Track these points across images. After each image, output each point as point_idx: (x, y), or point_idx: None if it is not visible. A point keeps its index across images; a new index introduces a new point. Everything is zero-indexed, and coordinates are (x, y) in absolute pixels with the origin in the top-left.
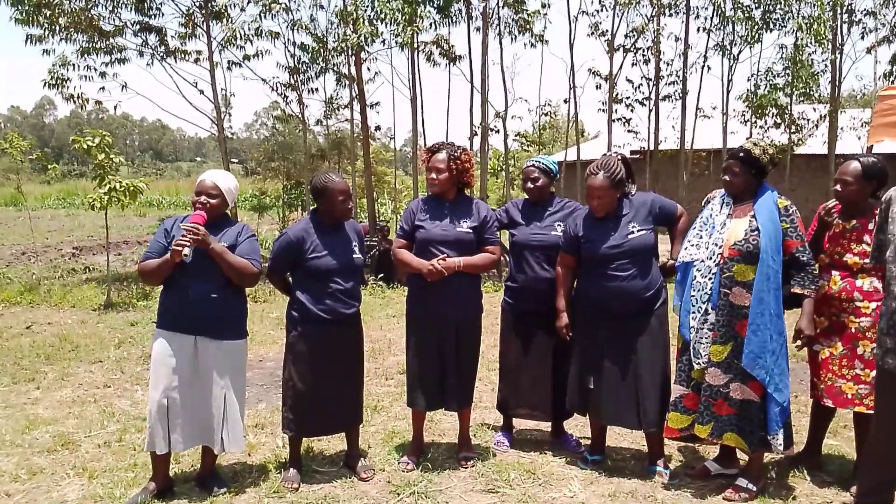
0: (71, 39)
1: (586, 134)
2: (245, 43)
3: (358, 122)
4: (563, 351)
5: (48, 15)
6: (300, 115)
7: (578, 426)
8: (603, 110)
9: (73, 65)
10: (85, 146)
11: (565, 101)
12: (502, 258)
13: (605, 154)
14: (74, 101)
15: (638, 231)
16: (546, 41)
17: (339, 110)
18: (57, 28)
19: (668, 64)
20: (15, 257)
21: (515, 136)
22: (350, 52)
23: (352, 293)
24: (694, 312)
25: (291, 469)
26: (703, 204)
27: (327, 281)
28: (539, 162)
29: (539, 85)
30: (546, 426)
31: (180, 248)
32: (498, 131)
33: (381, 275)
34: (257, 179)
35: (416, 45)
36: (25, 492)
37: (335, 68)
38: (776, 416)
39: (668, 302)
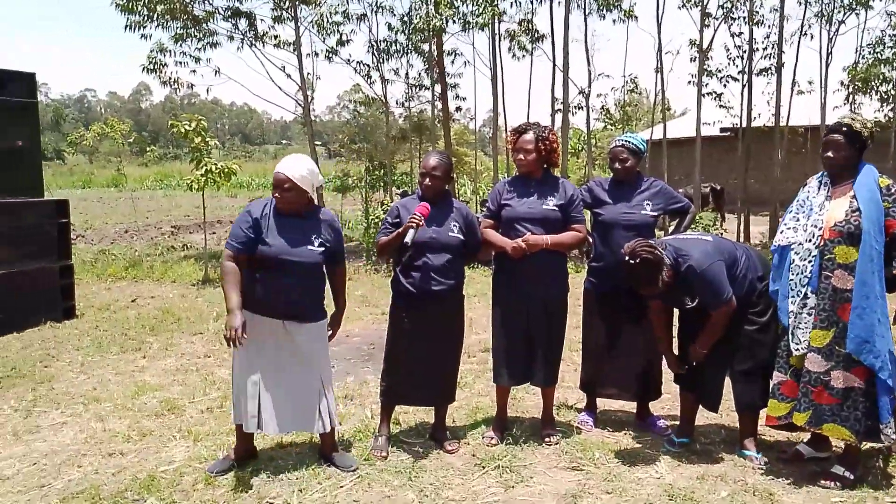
0: (167, 26)
1: (672, 111)
2: (332, 27)
3: (439, 103)
4: (648, 328)
5: (146, 2)
6: (382, 98)
7: (665, 408)
8: (692, 82)
9: (170, 51)
10: (182, 130)
11: (656, 71)
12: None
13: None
14: (170, 85)
15: (692, 304)
16: (636, 17)
17: (420, 91)
18: (155, 15)
19: (767, 32)
20: (119, 235)
21: (599, 112)
22: (431, 34)
23: (442, 270)
24: (793, 297)
25: (381, 438)
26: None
27: (419, 255)
28: (628, 141)
29: (624, 61)
30: (631, 407)
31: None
32: (581, 108)
33: None
34: (340, 161)
35: (497, 27)
36: (137, 451)
37: (417, 50)
38: (886, 403)
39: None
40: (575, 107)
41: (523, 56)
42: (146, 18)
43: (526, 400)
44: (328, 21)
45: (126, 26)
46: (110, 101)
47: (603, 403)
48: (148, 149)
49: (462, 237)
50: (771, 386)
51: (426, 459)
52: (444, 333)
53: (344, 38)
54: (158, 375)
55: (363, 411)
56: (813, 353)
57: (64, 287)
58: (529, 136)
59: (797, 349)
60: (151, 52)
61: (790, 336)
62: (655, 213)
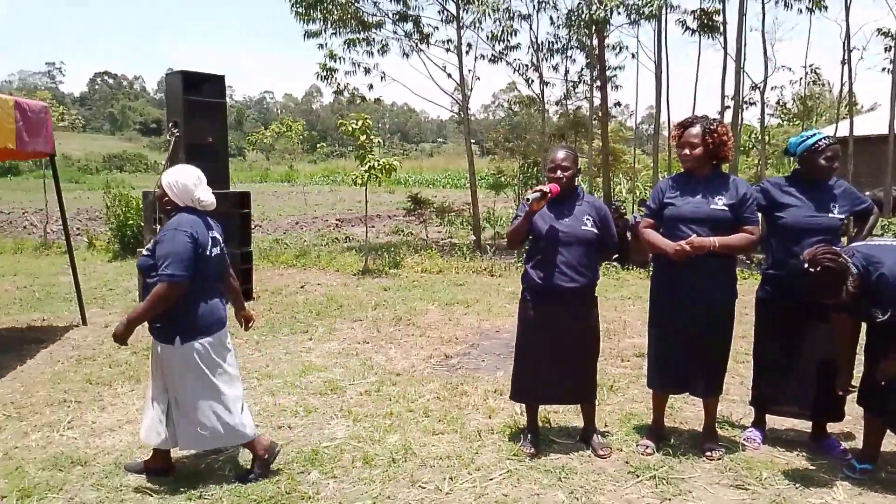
0: (340, 33)
1: (860, 106)
2: (500, 32)
3: (597, 99)
4: (830, 343)
5: (322, 9)
6: (539, 95)
7: (845, 431)
8: (887, 69)
9: (340, 58)
10: (350, 129)
11: (843, 63)
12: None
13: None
14: (340, 93)
15: (883, 317)
16: (825, 6)
17: (577, 87)
18: (329, 22)
19: None
20: (290, 226)
21: (775, 107)
22: (594, 27)
23: (575, 267)
24: None
25: (529, 435)
26: None
27: (551, 250)
28: (833, 139)
29: (805, 51)
30: (804, 426)
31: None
32: (754, 104)
33: (616, 255)
34: (493, 160)
35: (665, 17)
36: (303, 426)
37: (580, 44)
38: None
39: None
40: (747, 102)
41: (710, 36)
42: (322, 27)
43: (685, 410)
44: (493, 16)
45: (304, 34)
46: (285, 102)
47: (772, 421)
48: (318, 146)
49: (596, 231)
50: None
51: (576, 461)
52: (576, 332)
53: (509, 43)
54: (322, 357)
55: (513, 406)
56: None
57: (244, 271)
58: (696, 129)
59: None
60: (323, 59)
61: None
62: (842, 216)
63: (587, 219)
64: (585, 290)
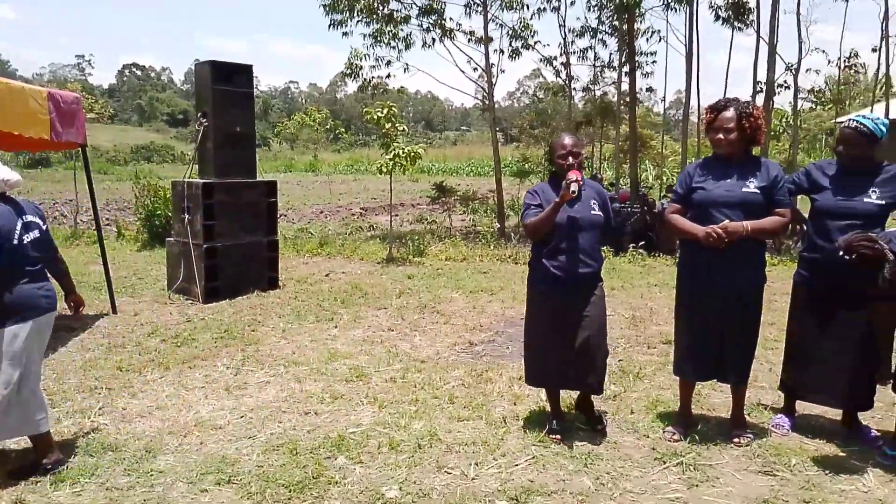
0: (365, 22)
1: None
2: (519, 19)
3: (624, 84)
4: (864, 331)
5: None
6: (566, 82)
7: (875, 418)
8: None
9: (365, 55)
10: (375, 117)
11: (873, 51)
12: (798, 226)
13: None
14: (366, 89)
15: None
16: None
17: (605, 73)
18: (354, 12)
19: None
20: (314, 215)
21: (808, 92)
22: (625, 10)
23: (589, 252)
24: None
25: (554, 421)
26: None
27: (566, 237)
28: (860, 124)
29: (841, 34)
30: (835, 413)
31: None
32: (788, 88)
33: (642, 242)
34: (519, 147)
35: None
36: (329, 412)
37: (612, 27)
38: None
39: None
40: (780, 86)
41: (741, 25)
42: (347, 17)
43: (712, 397)
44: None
45: (329, 25)
46: (310, 92)
47: (802, 407)
48: (340, 132)
49: (602, 214)
50: None
51: (602, 448)
52: (590, 316)
53: (527, 41)
54: (348, 344)
55: (538, 393)
56: None
57: (270, 260)
58: (730, 113)
59: None
60: (349, 58)
61: None
62: (882, 202)
63: (594, 203)
64: (598, 273)
